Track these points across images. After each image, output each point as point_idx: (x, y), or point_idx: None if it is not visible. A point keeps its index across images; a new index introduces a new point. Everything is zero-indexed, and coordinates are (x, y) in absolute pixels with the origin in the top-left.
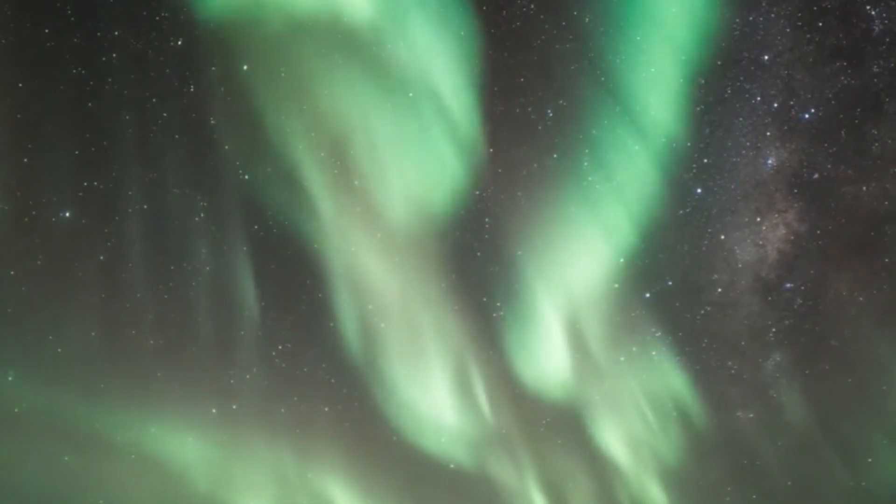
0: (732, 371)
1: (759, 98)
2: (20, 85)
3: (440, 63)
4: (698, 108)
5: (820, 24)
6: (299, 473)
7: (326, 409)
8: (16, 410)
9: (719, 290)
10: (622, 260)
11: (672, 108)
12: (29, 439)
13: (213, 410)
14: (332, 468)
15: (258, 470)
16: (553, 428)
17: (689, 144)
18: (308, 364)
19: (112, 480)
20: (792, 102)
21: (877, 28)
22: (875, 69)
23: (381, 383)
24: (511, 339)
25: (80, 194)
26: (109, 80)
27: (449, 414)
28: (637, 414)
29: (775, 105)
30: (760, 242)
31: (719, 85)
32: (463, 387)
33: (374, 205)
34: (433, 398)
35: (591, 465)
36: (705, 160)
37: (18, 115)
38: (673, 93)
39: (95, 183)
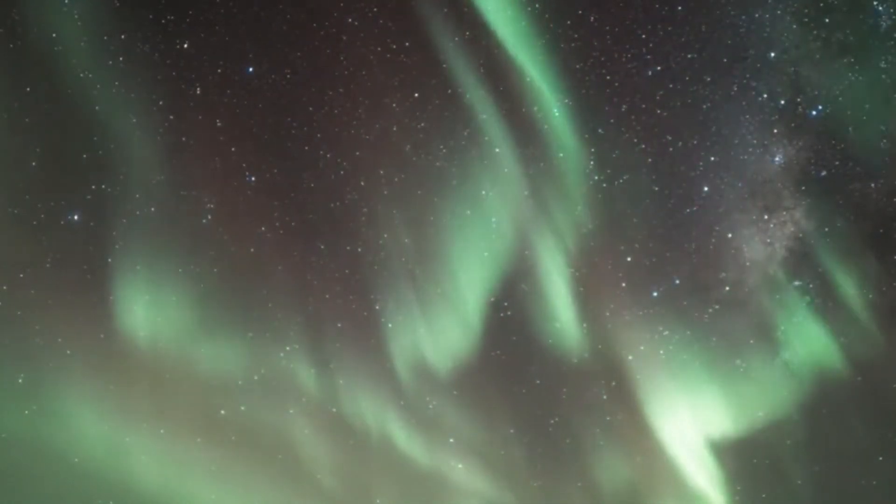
0: (741, 370)
1: (765, 95)
2: (28, 89)
3: None
4: (705, 106)
5: (826, 20)
6: (305, 474)
7: (334, 410)
8: (25, 413)
9: (727, 288)
10: (629, 259)
11: (677, 106)
12: (37, 441)
13: (222, 412)
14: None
15: (265, 471)
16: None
17: (695, 142)
18: (315, 365)
19: (120, 482)
20: (799, 99)
21: (884, 23)
22: (882, 65)
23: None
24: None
25: (88, 197)
26: (116, 83)
27: None
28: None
29: (782, 102)
30: (768, 240)
31: (725, 82)
32: None
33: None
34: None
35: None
36: (712, 158)
37: (26, 119)
38: (678, 91)
39: (103, 186)
